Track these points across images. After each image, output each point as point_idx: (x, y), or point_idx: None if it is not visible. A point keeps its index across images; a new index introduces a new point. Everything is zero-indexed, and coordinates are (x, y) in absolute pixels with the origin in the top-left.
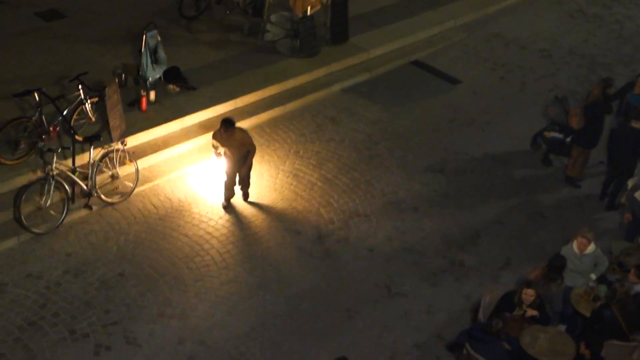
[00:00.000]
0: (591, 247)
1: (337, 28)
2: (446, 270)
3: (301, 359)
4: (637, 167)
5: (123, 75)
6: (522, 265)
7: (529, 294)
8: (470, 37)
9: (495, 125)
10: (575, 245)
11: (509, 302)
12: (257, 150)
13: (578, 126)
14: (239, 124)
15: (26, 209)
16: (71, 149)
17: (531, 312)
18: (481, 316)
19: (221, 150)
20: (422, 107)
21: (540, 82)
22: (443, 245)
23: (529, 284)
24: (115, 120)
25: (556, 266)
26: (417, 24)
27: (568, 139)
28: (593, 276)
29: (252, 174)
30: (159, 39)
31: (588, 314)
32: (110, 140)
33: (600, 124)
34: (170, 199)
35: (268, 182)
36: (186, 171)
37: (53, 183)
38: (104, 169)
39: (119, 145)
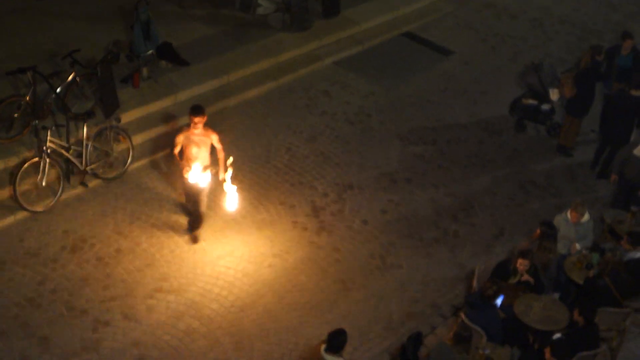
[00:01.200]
0: (586, 217)
1: (328, 1)
2: (440, 240)
3: (298, 331)
4: (634, 134)
5: (115, 52)
6: (516, 234)
7: (523, 264)
8: (462, 8)
9: (487, 96)
10: (569, 215)
11: (503, 270)
12: (251, 125)
13: (570, 94)
14: (232, 99)
15: (22, 187)
16: (65, 126)
17: (527, 277)
18: (475, 285)
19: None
20: (414, 79)
21: (532, 52)
22: (436, 215)
23: (524, 254)
24: (108, 97)
25: (549, 235)
26: None
27: (543, 107)
28: (577, 246)
29: (247, 148)
30: (151, 15)
31: (581, 282)
32: (104, 117)
33: (591, 92)
34: (165, 174)
35: (261, 156)
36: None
37: (48, 161)
38: (99, 146)
39: (113, 122)
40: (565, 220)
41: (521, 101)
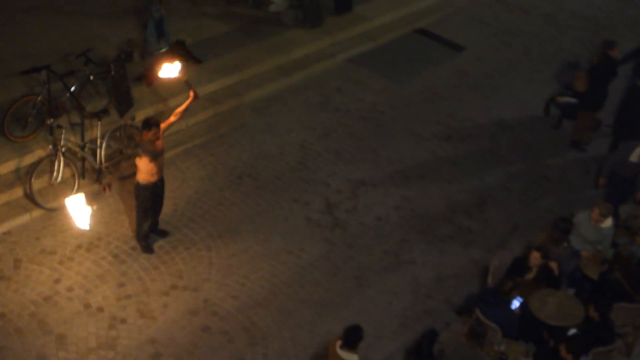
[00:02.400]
0: (609, 222)
1: None
2: (454, 236)
3: (312, 327)
4: None
5: (129, 50)
6: (529, 230)
7: (534, 257)
8: (474, 3)
9: (500, 91)
10: (591, 216)
11: (519, 266)
12: (264, 122)
13: (582, 88)
14: (245, 96)
15: (37, 185)
16: (80, 125)
17: (553, 265)
18: (490, 281)
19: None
20: (426, 75)
21: (545, 47)
22: (450, 211)
23: (539, 248)
24: (122, 95)
25: (562, 228)
26: None
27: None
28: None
29: (260, 145)
30: (164, 12)
31: (596, 277)
32: (118, 116)
33: (603, 86)
34: (179, 172)
35: (274, 153)
36: (194, 144)
37: (63, 159)
38: (113, 144)
39: (127, 121)
40: (587, 219)
41: (556, 100)
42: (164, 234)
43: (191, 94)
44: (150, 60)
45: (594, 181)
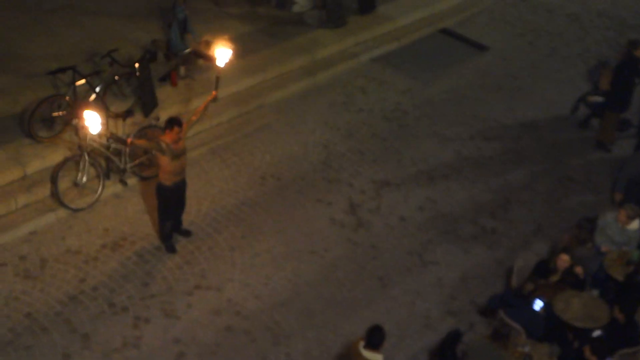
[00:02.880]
0: (636, 224)
1: None
2: (478, 237)
3: (335, 327)
4: None
5: (153, 51)
6: (553, 231)
7: (563, 259)
8: (498, 3)
9: (524, 91)
10: (618, 217)
11: (544, 268)
12: (288, 122)
13: (605, 88)
14: (269, 96)
15: (63, 185)
16: (105, 125)
17: (578, 270)
18: (514, 282)
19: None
20: (451, 75)
21: (569, 47)
22: (474, 212)
23: (566, 250)
24: (147, 95)
25: (586, 229)
26: None
27: None
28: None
29: (284, 145)
30: (188, 13)
31: (621, 278)
32: (143, 116)
33: (628, 87)
34: (203, 172)
35: (298, 153)
36: (218, 144)
37: (88, 159)
38: (138, 145)
39: (152, 121)
40: (613, 220)
41: (587, 99)
42: (187, 233)
43: (213, 93)
44: (175, 61)
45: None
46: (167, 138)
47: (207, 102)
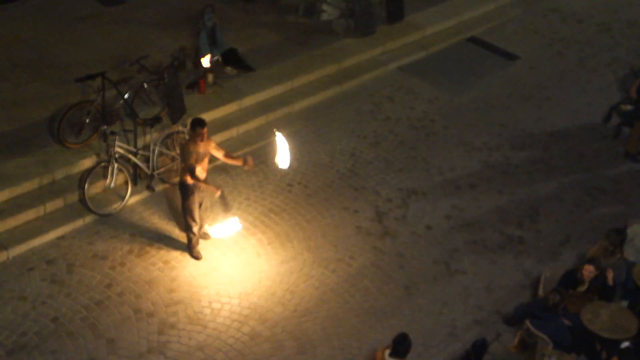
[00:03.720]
0: None
1: (392, 6)
2: (505, 247)
3: (361, 336)
4: None
5: (182, 58)
6: (582, 241)
7: (588, 270)
8: (527, 12)
9: (553, 101)
10: None
11: (571, 279)
12: (316, 130)
13: (634, 96)
14: (297, 104)
15: (91, 191)
16: (133, 131)
17: (610, 272)
18: (541, 292)
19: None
20: (478, 84)
21: (599, 57)
22: (501, 222)
23: (591, 261)
24: (175, 102)
25: (615, 240)
26: (473, 0)
27: None
28: None
29: (311, 153)
30: (217, 21)
31: None
32: (171, 123)
33: None
34: (230, 179)
35: (325, 161)
36: (245, 152)
37: (116, 165)
38: (165, 151)
39: (180, 127)
40: None
41: (620, 107)
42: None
43: (240, 161)
44: (203, 68)
45: None
46: (191, 138)
47: (234, 163)
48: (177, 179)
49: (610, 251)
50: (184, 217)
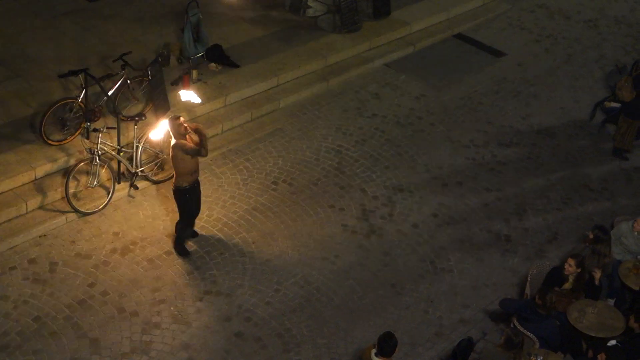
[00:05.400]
0: None
1: (378, 2)
2: (492, 245)
3: (347, 334)
4: None
5: (165, 54)
6: (569, 239)
7: (569, 264)
8: (514, 9)
9: (540, 98)
10: (634, 226)
11: (557, 276)
12: (301, 127)
13: (630, 98)
14: (282, 101)
15: (73, 189)
16: (116, 129)
17: (598, 273)
18: (528, 291)
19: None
20: (465, 81)
21: (586, 53)
22: (488, 219)
23: (574, 255)
24: (159, 99)
25: (602, 240)
26: None
27: None
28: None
29: (296, 150)
30: (201, 17)
31: (637, 288)
32: (155, 119)
33: None
34: (215, 177)
35: (310, 159)
36: (229, 149)
37: (99, 163)
38: (149, 148)
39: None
40: (629, 229)
41: (604, 104)
42: (195, 235)
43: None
44: (187, 64)
45: (635, 190)
46: (178, 143)
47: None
48: (161, 176)
49: (602, 254)
50: (182, 219)
